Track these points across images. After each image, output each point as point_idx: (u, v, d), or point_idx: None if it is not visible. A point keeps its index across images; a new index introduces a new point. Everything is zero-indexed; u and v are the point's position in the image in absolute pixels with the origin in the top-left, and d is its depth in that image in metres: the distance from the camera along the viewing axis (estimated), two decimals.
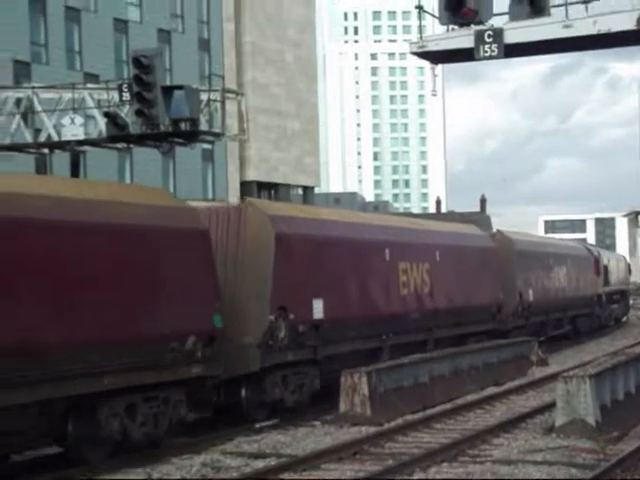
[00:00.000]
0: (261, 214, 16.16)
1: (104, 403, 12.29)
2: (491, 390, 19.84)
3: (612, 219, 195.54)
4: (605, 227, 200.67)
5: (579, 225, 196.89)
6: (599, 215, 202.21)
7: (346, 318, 18.10)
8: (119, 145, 24.11)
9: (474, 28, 17.17)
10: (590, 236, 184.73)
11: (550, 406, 15.91)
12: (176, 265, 13.60)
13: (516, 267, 27.29)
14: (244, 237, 15.94)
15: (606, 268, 40.18)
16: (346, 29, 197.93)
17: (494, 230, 31.04)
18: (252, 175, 51.33)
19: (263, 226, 15.99)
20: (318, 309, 17.08)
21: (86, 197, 12.69)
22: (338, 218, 19.69)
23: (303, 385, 16.92)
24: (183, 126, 21.52)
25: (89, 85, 25.96)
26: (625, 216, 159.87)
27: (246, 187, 49.98)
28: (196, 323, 13.79)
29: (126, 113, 22.03)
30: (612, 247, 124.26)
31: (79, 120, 23.13)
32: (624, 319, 45.91)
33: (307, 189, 57.39)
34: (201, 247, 14.21)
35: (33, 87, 25.04)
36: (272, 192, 53.30)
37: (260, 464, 12.54)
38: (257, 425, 15.50)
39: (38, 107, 23.64)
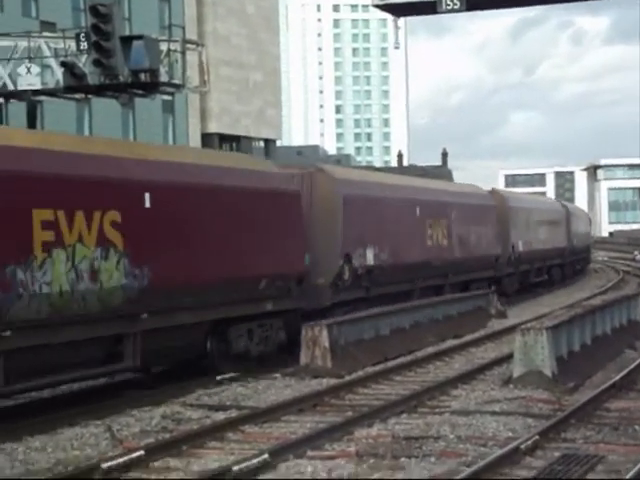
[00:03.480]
0: (330, 178, 19.96)
1: (232, 327, 15.99)
2: (450, 342, 20.06)
3: (571, 173, 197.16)
4: (565, 181, 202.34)
5: (538, 179, 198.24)
6: (559, 169, 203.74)
7: (390, 264, 21.83)
8: (77, 95, 23.70)
9: None
10: (550, 190, 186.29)
11: (508, 358, 16.13)
12: (279, 220, 17.15)
13: (510, 222, 32.00)
14: (316, 198, 19.42)
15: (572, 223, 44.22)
16: None
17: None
18: (214, 127, 50.88)
19: (332, 189, 19.74)
20: (370, 257, 20.93)
21: (218, 164, 16.40)
22: (384, 180, 24.17)
23: None
24: (142, 77, 21.19)
25: (45, 33, 25.41)
26: (584, 170, 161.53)
27: (207, 139, 49.57)
28: (293, 266, 17.57)
29: (84, 63, 21.63)
30: (571, 201, 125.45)
31: (35, 69, 22.68)
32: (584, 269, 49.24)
33: (269, 142, 57.04)
34: (296, 205, 17.90)
35: None
36: (234, 145, 52.95)
37: (221, 416, 12.61)
38: (218, 377, 15.55)
39: None
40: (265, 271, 16.59)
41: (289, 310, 17.51)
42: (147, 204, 13.88)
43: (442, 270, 25.22)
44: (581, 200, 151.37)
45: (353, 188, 20.64)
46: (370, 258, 20.87)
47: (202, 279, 14.94)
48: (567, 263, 41.82)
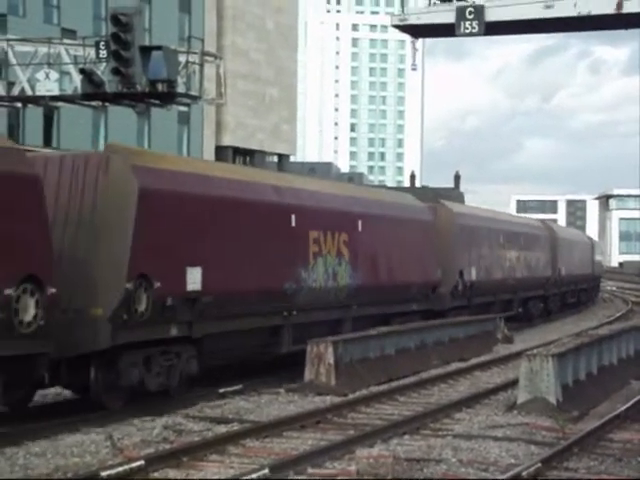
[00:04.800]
0: (450, 212, 26.18)
1: (393, 319, 21.28)
2: (456, 365, 19.99)
3: (583, 201, 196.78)
4: (576, 209, 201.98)
5: (550, 206, 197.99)
6: (571, 197, 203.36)
7: (484, 281, 27.88)
8: (94, 103, 23.84)
9: (456, 4, 17.15)
10: (561, 217, 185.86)
11: (513, 383, 16.04)
12: (423, 242, 23.21)
13: (557, 249, 37.11)
14: (439, 226, 24.92)
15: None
16: None
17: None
18: (228, 140, 51.04)
19: (452, 220, 25.99)
20: (473, 274, 27.12)
21: (393, 201, 23.07)
22: (482, 214, 30.44)
23: None
24: (160, 87, 21.31)
25: (66, 40, 25.58)
26: (596, 199, 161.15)
27: (222, 152, 49.71)
28: (430, 277, 23.45)
29: (102, 71, 21.78)
30: (582, 229, 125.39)
31: (54, 75, 22.81)
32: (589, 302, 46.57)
33: (283, 157, 57.18)
34: (431, 231, 23.89)
35: (8, 39, 24.62)
36: (247, 158, 53.05)
37: (222, 429, 12.57)
38: (220, 390, 15.51)
39: (13, 60, 23.27)
40: (415, 280, 22.67)
41: (426, 310, 23.25)
42: (360, 229, 20.01)
43: (512, 287, 30.96)
44: (592, 229, 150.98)
45: (466, 219, 27.08)
46: (473, 275, 26.87)
47: (385, 283, 21.09)
48: (590, 287, 46.34)
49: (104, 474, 9.65)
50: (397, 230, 21.90)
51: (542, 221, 38.64)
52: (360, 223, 19.89)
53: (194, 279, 14.45)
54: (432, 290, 23.61)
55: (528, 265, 32.70)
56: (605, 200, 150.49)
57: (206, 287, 14.60)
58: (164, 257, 13.95)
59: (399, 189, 57.83)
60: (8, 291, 11.34)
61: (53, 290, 11.98)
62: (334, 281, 18.77)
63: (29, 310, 11.71)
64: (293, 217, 17.41)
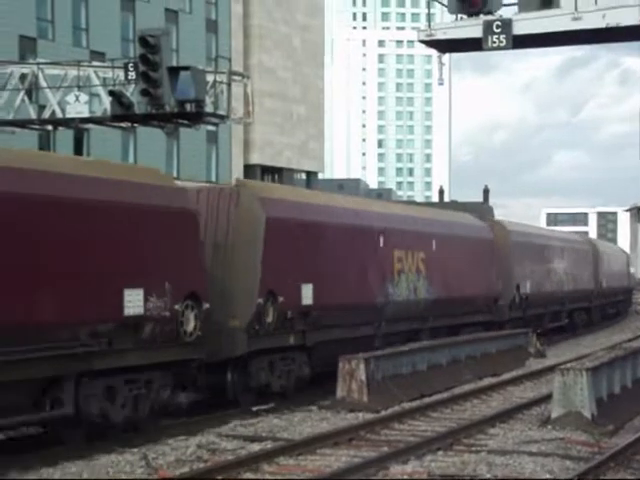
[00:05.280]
0: (505, 230, 28.27)
1: (462, 330, 23.62)
2: (488, 380, 19.87)
3: (614, 213, 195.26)
4: (607, 221, 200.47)
5: (581, 218, 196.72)
6: (601, 209, 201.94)
7: (535, 294, 29.65)
8: (123, 124, 24.05)
9: (483, 18, 17.11)
10: (592, 230, 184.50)
11: (547, 398, 15.93)
12: (487, 258, 25.80)
13: (599, 264, 39.53)
14: (497, 243, 27.00)
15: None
16: (355, 15, 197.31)
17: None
18: (256, 159, 51.26)
19: (507, 237, 28.06)
20: (528, 287, 29.58)
21: (460, 222, 25.64)
22: (537, 232, 33.53)
23: None
24: (188, 107, 21.46)
25: (95, 63, 25.88)
26: (627, 211, 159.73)
27: (250, 170, 49.91)
28: (493, 290, 26.05)
29: (131, 92, 21.97)
30: (614, 241, 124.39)
31: (84, 98, 23.06)
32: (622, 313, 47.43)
33: (311, 174, 57.33)
34: (492, 247, 26.29)
35: (38, 63, 24.92)
36: (276, 176, 53.22)
37: (256, 447, 12.57)
38: (254, 409, 15.54)
39: (43, 83, 23.55)
40: (479, 293, 25.10)
41: (489, 321, 25.64)
42: (434, 247, 22.34)
43: (561, 299, 33.12)
44: (623, 241, 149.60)
45: (520, 237, 28.93)
46: (528, 288, 28.91)
47: (456, 296, 23.35)
48: (625, 299, 48.75)
49: None
50: (464, 248, 24.41)
51: (588, 238, 42.93)
52: (434, 242, 22.47)
53: (307, 294, 16.90)
54: (494, 302, 26.36)
55: (574, 278, 34.72)
56: (636, 212, 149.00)
57: (316, 301, 17.06)
58: (285, 276, 16.32)
59: (431, 204, 57.73)
60: (177, 306, 13.58)
61: (207, 305, 14.22)
62: (414, 295, 21.33)
63: (190, 322, 13.93)
64: (381, 239, 19.88)
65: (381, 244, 19.89)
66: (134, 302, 12.69)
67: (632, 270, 52.00)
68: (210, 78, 22.65)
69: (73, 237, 11.93)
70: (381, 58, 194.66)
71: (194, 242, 14.12)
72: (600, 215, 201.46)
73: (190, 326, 13.82)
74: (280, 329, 16.13)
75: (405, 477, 10.82)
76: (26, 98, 23.75)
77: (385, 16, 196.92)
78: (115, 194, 12.68)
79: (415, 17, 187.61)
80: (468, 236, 25.07)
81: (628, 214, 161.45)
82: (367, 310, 19.19)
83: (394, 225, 20.74)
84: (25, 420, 11.89)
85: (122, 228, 12.69)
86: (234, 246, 15.44)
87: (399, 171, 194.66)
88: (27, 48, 35.77)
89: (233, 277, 15.29)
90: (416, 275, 21.35)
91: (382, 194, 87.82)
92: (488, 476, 10.87)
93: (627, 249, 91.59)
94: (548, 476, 10.96)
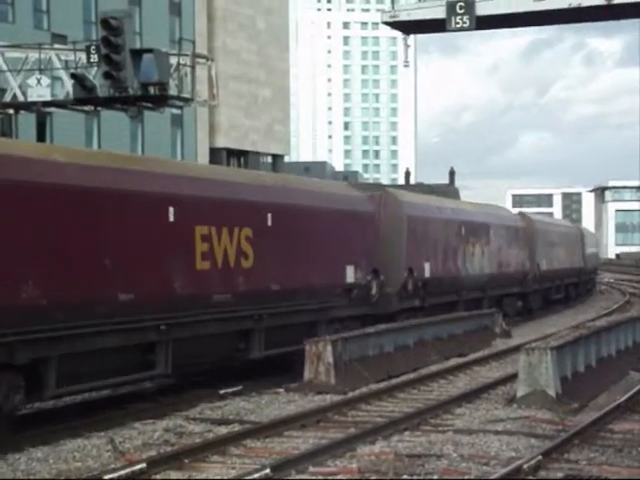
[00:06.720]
0: (530, 221, 35.07)
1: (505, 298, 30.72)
2: (455, 361, 20.01)
3: (579, 194, 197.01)
4: (572, 202, 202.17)
5: (546, 199, 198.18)
6: (566, 190, 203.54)
7: (550, 270, 36.22)
8: (86, 108, 23.78)
9: None
10: (557, 211, 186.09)
11: (512, 377, 16.07)
12: (514, 243, 31.86)
13: (584, 244, 44.58)
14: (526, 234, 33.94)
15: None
16: None
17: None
18: (222, 142, 51.01)
19: (533, 228, 34.66)
20: (544, 265, 36.04)
21: (489, 212, 31.62)
22: (555, 222, 40.81)
23: None
24: (152, 90, 21.28)
25: (56, 45, 25.53)
26: (591, 191, 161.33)
27: (216, 154, 49.66)
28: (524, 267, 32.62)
29: (94, 75, 21.74)
30: (578, 222, 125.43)
31: (45, 81, 22.77)
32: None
33: (277, 157, 57.16)
34: (523, 231, 32.84)
35: None
36: (241, 160, 53.03)
37: (223, 430, 12.58)
38: (221, 391, 15.52)
39: (3, 66, 23.20)
40: (512, 270, 31.07)
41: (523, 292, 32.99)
42: (491, 235, 29.27)
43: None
44: (588, 221, 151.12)
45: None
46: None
47: (503, 271, 30.15)
48: (582, 282, 47.22)
49: (106, 478, 9.67)
50: (500, 234, 30.50)
51: (578, 227, 44.80)
52: (491, 231, 29.50)
53: (427, 269, 23.72)
54: (524, 277, 32.82)
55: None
56: (601, 192, 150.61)
57: (431, 275, 23.94)
58: (416, 257, 23.18)
59: (398, 186, 57.82)
60: (368, 277, 20.33)
61: (382, 277, 20.95)
62: (480, 271, 27.99)
63: (374, 288, 20.63)
64: (463, 229, 26.97)
65: (463, 233, 26.96)
66: (349, 275, 19.22)
67: (593, 250, 50.68)
68: (174, 61, 22.45)
69: (321, 234, 18.52)
70: (346, 40, 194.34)
71: (374, 234, 20.76)
72: (565, 196, 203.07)
73: (374, 291, 20.45)
74: (413, 295, 22.71)
75: (372, 457, 10.87)
76: None
77: None
78: (338, 204, 19.18)
79: None
80: (502, 224, 31.32)
81: (592, 195, 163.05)
82: (455, 281, 25.87)
83: (468, 218, 27.97)
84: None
85: (342, 227, 19.03)
86: (386, 237, 21.47)
87: (365, 153, 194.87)
88: None
89: (388, 259, 21.21)
90: (480, 254, 28.24)
91: (348, 177, 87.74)
92: (454, 455, 10.96)
93: (592, 230, 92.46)
94: (513, 454, 11.07)
